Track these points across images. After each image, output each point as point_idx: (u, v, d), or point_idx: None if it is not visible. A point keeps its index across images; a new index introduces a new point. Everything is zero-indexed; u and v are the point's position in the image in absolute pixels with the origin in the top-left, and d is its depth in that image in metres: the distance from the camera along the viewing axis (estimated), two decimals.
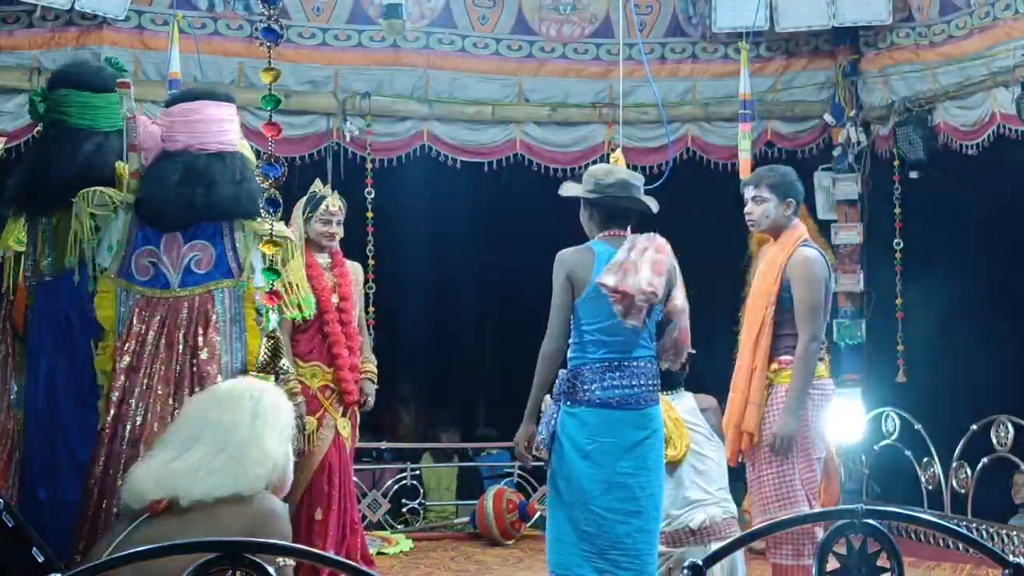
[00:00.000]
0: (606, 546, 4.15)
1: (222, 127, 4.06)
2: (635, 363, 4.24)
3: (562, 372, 4.28)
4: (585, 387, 4.19)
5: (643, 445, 4.23)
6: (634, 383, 4.22)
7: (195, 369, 3.86)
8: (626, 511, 4.17)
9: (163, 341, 3.87)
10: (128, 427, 3.82)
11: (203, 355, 3.86)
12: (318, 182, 5.59)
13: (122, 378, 3.85)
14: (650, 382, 4.28)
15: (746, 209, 4.84)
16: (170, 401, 3.83)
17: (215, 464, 3.39)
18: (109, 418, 3.84)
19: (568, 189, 4.46)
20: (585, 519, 4.15)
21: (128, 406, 3.84)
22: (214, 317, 3.91)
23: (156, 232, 4.00)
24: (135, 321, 3.89)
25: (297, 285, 4.14)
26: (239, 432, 3.46)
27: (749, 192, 4.83)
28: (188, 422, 3.57)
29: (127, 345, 3.87)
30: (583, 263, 4.25)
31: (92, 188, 3.96)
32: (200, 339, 3.88)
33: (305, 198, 5.44)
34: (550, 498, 4.32)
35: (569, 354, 4.28)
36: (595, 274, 4.20)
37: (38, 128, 6.73)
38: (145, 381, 3.85)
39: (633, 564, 4.16)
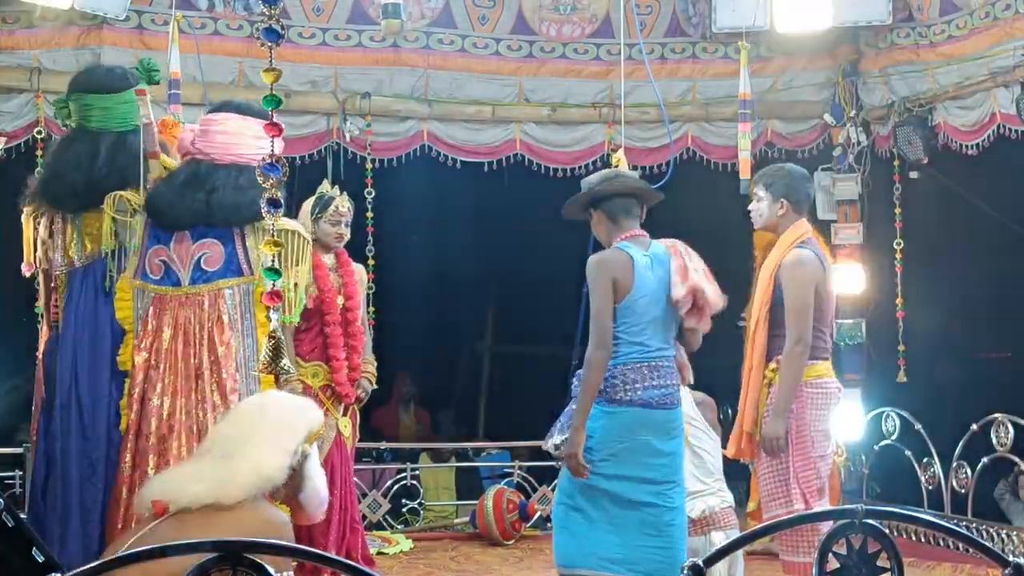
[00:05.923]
0: (633, 535, 4.21)
1: (239, 141, 4.13)
2: (667, 363, 4.34)
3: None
4: (628, 387, 4.22)
5: (675, 441, 4.35)
6: (667, 383, 4.32)
7: (213, 365, 3.90)
8: (656, 504, 4.26)
9: (180, 338, 3.92)
10: (154, 423, 3.86)
11: (220, 351, 3.90)
12: (326, 183, 5.60)
13: (142, 375, 3.90)
14: (676, 382, 4.39)
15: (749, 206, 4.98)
16: (192, 396, 3.87)
17: (209, 473, 3.36)
18: (132, 415, 3.88)
19: (570, 212, 4.55)
20: (618, 513, 4.21)
21: (151, 403, 3.88)
22: (225, 315, 3.95)
23: (166, 231, 4.06)
24: (151, 319, 3.95)
25: (296, 286, 4.15)
26: (238, 445, 3.45)
27: (754, 189, 4.96)
28: (209, 436, 3.58)
29: (145, 343, 3.92)
30: (623, 265, 4.29)
31: (116, 193, 4.06)
32: (216, 336, 3.92)
33: (313, 199, 5.45)
34: (570, 495, 4.29)
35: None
36: (635, 277, 4.26)
37: (38, 128, 6.82)
38: (166, 378, 3.89)
39: (663, 554, 4.23)
